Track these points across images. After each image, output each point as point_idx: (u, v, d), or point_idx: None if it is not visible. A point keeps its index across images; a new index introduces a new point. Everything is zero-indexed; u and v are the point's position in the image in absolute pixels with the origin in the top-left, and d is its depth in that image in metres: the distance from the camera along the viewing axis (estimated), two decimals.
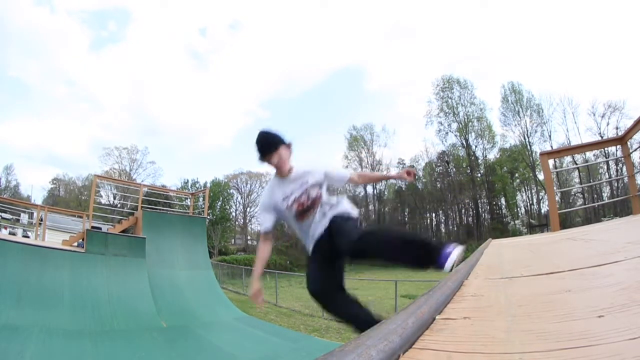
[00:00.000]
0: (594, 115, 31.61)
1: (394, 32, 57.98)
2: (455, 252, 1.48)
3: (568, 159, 29.71)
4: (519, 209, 37.79)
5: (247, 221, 45.02)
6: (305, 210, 1.63)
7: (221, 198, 40.71)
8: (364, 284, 18.53)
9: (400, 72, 57.52)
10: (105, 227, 13.63)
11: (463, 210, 39.20)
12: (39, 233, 9.92)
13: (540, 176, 31.66)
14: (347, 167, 44.10)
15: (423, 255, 1.51)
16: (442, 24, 52.59)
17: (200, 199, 25.58)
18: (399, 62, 57.31)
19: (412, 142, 67.46)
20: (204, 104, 60.74)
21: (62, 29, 48.45)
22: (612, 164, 29.98)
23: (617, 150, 21.87)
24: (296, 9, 60.10)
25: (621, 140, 4.29)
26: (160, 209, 11.96)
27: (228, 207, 42.45)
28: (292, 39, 61.24)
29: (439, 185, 40.14)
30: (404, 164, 42.30)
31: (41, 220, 10.35)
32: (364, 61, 60.60)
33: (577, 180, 33.72)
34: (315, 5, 59.28)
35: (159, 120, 59.42)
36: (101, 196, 37.11)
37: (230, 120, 63.66)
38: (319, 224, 1.65)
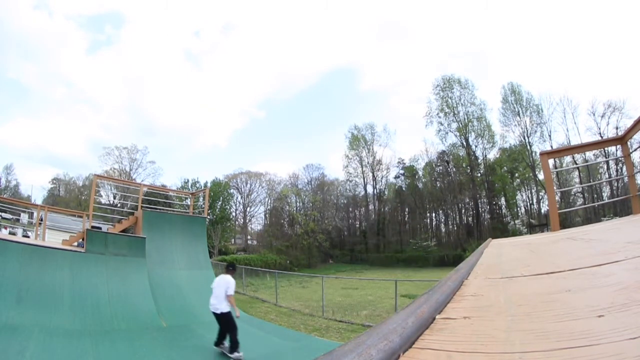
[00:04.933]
0: (594, 115, 31.60)
1: (390, 31, 58.00)
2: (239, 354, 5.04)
3: (568, 159, 29.73)
4: (519, 208, 37.78)
5: (247, 221, 45.07)
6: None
7: (221, 198, 40.70)
8: (364, 284, 18.55)
9: (397, 71, 57.68)
10: (105, 227, 13.64)
11: (463, 210, 39.16)
12: (39, 233, 9.92)
13: (540, 176, 31.67)
14: (347, 166, 44.21)
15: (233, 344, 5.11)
16: (441, 24, 52.63)
17: (200, 198, 25.61)
18: (396, 62, 57.40)
19: (411, 142, 67.64)
20: (201, 105, 61.08)
21: (60, 32, 48.61)
22: (612, 164, 29.96)
23: (617, 150, 21.88)
24: (289, 10, 60.25)
25: (621, 140, 4.29)
26: (160, 209, 11.96)
27: (228, 207, 42.45)
28: (285, 41, 61.46)
29: (439, 185, 40.09)
30: (404, 163, 42.32)
31: (41, 220, 10.35)
32: (360, 61, 60.66)
33: (577, 180, 33.70)
34: (308, 6, 59.40)
35: (157, 121, 59.67)
36: (101, 196, 37.08)
37: (227, 121, 63.94)
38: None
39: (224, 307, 5.11)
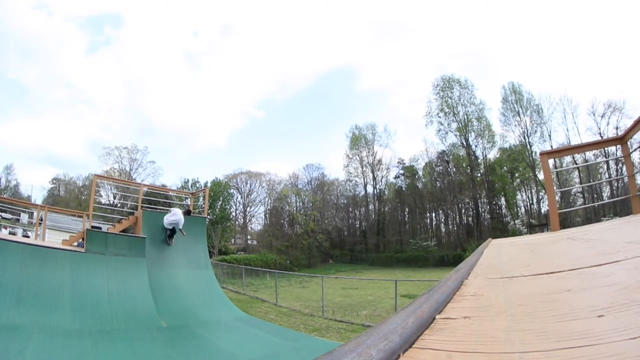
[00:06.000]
0: (594, 115, 31.59)
1: (389, 31, 58.00)
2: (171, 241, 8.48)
3: (568, 158, 29.71)
4: (519, 208, 37.78)
5: (247, 221, 45.06)
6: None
7: (221, 198, 40.71)
8: (364, 284, 18.56)
9: (396, 72, 57.60)
10: (105, 227, 13.63)
11: (463, 210, 39.16)
12: (39, 233, 9.92)
13: (540, 176, 31.66)
14: (347, 166, 44.24)
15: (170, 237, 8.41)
16: (441, 24, 52.61)
17: (201, 198, 25.59)
18: (395, 62, 57.35)
19: (411, 142, 67.48)
20: (200, 105, 60.99)
21: (59, 33, 48.59)
22: (612, 164, 29.95)
23: (617, 150, 21.87)
24: (288, 11, 60.24)
25: (621, 140, 4.29)
26: (160, 209, 11.96)
27: (228, 207, 42.45)
28: (284, 41, 61.43)
29: (439, 185, 40.10)
30: (404, 163, 42.33)
31: (41, 220, 10.35)
32: (359, 61, 60.44)
33: (577, 180, 33.70)
34: (307, 6, 59.38)
35: (157, 121, 59.63)
36: (101, 196, 37.09)
37: (226, 121, 63.90)
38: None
39: (171, 228, 8.25)
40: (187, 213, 8.42)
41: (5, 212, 16.93)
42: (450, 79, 38.87)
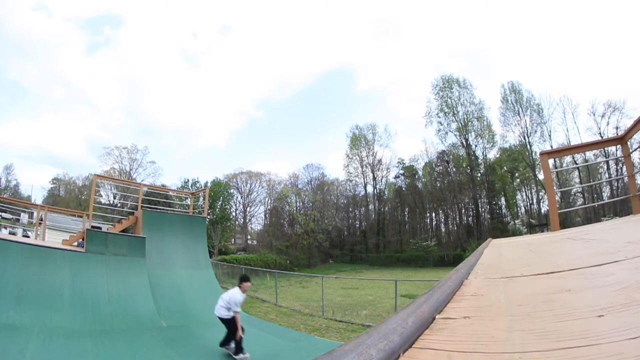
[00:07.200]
0: (594, 115, 31.58)
1: (389, 31, 58.01)
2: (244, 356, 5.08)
3: (568, 158, 29.70)
4: (519, 208, 37.79)
5: (247, 221, 45.05)
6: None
7: (221, 198, 40.69)
8: (364, 284, 18.55)
9: (396, 71, 57.65)
10: (105, 227, 13.64)
11: (463, 210, 39.14)
12: (39, 233, 9.93)
13: (540, 176, 31.67)
14: (347, 166, 44.25)
15: (237, 345, 5.08)
16: (441, 24, 52.62)
17: (201, 198, 25.60)
18: (395, 62, 57.41)
19: (411, 142, 67.56)
20: (200, 105, 61.25)
21: (59, 34, 48.73)
22: (612, 164, 29.94)
23: (617, 150, 21.89)
24: (286, 11, 60.36)
25: (621, 140, 4.29)
26: (160, 209, 11.96)
27: (228, 207, 42.44)
28: (282, 41, 61.61)
29: (439, 185, 40.08)
30: (404, 163, 42.32)
31: (41, 219, 10.35)
32: (359, 61, 60.57)
33: (577, 180, 33.70)
34: (306, 6, 59.42)
35: (157, 121, 59.82)
36: (101, 196, 37.09)
37: (226, 121, 64.05)
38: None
39: (223, 314, 5.12)
40: (244, 280, 5.35)
41: (5, 212, 16.93)
42: (449, 79, 38.87)
